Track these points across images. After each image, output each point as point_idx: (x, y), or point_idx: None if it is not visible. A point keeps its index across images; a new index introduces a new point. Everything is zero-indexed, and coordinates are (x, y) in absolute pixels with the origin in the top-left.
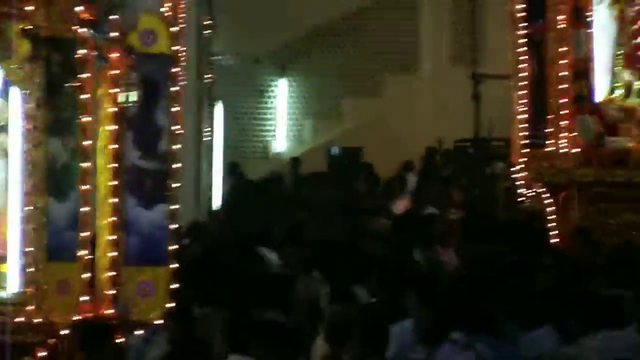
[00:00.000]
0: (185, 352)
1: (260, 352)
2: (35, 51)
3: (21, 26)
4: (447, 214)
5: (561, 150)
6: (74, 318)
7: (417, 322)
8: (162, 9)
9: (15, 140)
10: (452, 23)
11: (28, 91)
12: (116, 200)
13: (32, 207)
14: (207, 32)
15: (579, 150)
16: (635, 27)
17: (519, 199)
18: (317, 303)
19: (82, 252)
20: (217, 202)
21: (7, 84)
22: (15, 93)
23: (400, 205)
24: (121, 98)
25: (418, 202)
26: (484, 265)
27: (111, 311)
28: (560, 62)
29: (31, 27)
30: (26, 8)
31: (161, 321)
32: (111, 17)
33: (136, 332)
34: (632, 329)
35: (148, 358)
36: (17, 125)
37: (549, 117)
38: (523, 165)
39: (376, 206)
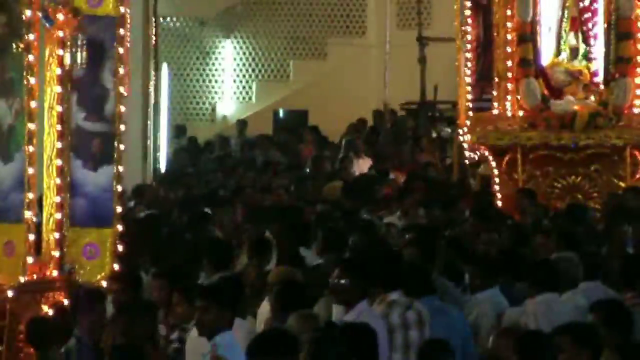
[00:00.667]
0: (132, 315)
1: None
2: None
3: None
4: (396, 178)
5: (506, 114)
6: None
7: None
8: None
9: None
10: None
11: None
12: (61, 162)
13: None
14: None
15: (524, 113)
16: None
17: (471, 162)
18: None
19: (27, 214)
20: (163, 164)
21: None
22: None
23: (363, 166)
24: (69, 60)
25: (378, 163)
26: (429, 229)
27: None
28: (506, 25)
29: None
30: None
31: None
32: None
33: None
34: (576, 290)
35: None
36: None
37: (494, 80)
38: (468, 129)
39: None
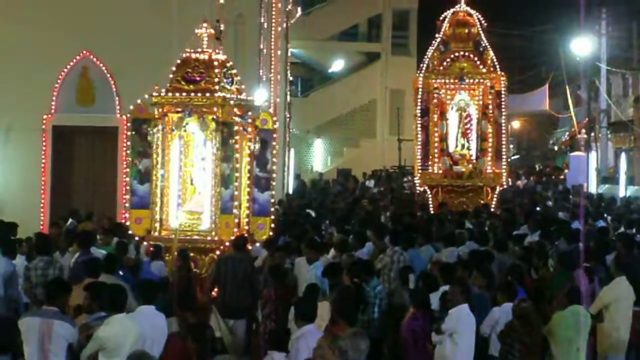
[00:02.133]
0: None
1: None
2: (217, 127)
3: (211, 117)
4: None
5: (435, 171)
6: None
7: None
8: (270, 109)
9: (204, 163)
10: (390, 115)
11: (214, 142)
12: (249, 189)
13: None
14: (287, 115)
15: (441, 171)
16: (466, 120)
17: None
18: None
19: (234, 211)
20: (290, 191)
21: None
22: (202, 142)
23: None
24: (252, 147)
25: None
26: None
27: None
28: (435, 134)
29: (215, 117)
30: (214, 109)
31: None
32: (249, 113)
33: None
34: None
35: None
36: (207, 155)
37: (430, 157)
38: (419, 178)
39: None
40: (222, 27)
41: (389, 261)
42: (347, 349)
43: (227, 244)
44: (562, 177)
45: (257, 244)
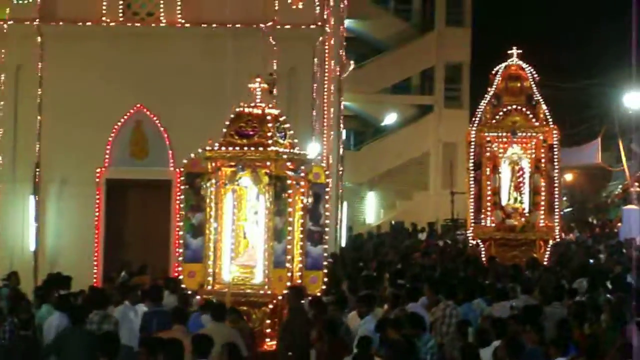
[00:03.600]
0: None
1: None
2: (270, 181)
3: (264, 171)
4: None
5: (487, 224)
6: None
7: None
8: (322, 163)
9: (256, 217)
10: (443, 168)
11: (267, 196)
12: (302, 243)
13: None
14: (340, 169)
15: (494, 224)
16: (519, 173)
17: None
18: None
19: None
20: (344, 244)
21: (257, 194)
22: (255, 195)
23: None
24: (305, 201)
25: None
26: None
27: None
28: (487, 187)
29: (268, 171)
30: (267, 163)
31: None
32: (302, 167)
33: None
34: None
35: None
36: (260, 209)
37: (482, 210)
38: (471, 231)
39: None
40: (275, 81)
41: (441, 315)
42: None
43: (280, 297)
44: (615, 230)
45: None
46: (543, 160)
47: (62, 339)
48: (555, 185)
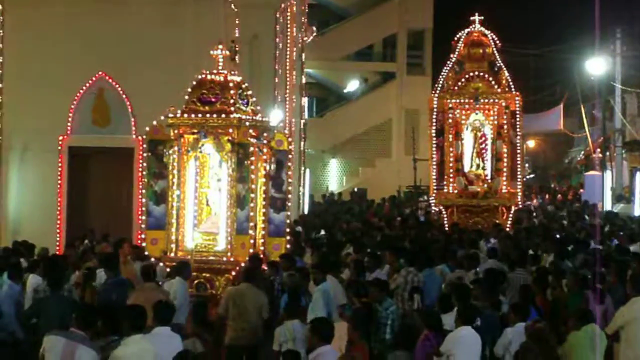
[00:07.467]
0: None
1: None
2: (232, 148)
3: (226, 138)
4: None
5: (450, 191)
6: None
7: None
8: (285, 130)
9: (219, 184)
10: (406, 135)
11: (229, 164)
12: (265, 210)
13: None
14: (302, 136)
15: (456, 191)
16: (481, 140)
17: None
18: None
19: (250, 231)
20: (305, 210)
21: (220, 162)
22: (217, 162)
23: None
24: (268, 168)
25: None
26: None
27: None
28: (450, 153)
29: (231, 138)
30: (230, 130)
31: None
32: (264, 134)
33: None
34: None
35: None
36: (223, 176)
37: (445, 176)
38: (434, 198)
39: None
40: (237, 48)
41: (403, 281)
42: None
43: (243, 264)
44: (577, 196)
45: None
46: (505, 127)
47: (42, 302)
48: (518, 151)
